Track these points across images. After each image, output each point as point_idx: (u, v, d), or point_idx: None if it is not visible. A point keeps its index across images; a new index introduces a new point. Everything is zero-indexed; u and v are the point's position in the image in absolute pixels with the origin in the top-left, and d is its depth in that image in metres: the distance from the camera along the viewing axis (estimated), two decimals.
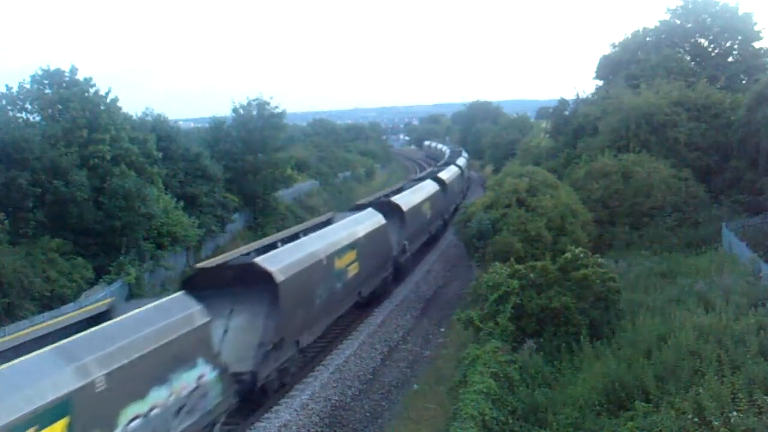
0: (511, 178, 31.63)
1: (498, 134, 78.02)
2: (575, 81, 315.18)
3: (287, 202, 55.44)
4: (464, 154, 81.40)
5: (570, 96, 50.06)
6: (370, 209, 30.41)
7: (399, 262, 32.28)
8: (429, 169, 62.77)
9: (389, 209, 32.12)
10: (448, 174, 51.86)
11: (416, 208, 36.08)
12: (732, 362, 15.08)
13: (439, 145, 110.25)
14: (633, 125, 37.43)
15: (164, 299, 15.82)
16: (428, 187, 41.85)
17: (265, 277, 18.91)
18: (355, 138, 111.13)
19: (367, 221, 28.51)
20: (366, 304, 28.20)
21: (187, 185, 41.40)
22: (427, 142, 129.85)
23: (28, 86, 35.30)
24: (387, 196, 36.84)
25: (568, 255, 21.59)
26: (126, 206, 32.90)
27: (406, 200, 35.21)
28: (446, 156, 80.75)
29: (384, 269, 30.02)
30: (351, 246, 25.34)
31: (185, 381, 14.52)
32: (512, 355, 19.22)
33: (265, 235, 44.40)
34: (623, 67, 48.56)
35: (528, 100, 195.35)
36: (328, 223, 27.48)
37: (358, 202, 34.66)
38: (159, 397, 13.58)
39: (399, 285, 32.16)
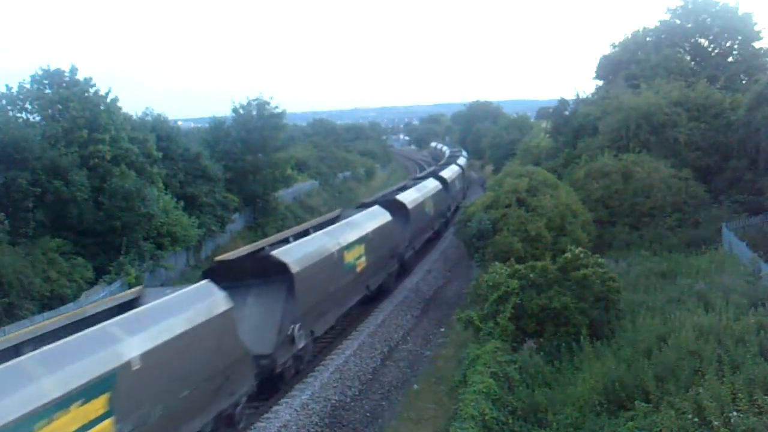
0: (511, 178, 31.64)
1: (498, 134, 78.10)
2: (575, 81, 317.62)
3: (287, 202, 55.47)
4: (459, 160, 67.29)
5: (570, 96, 50.27)
6: (203, 285, 16.74)
7: (274, 366, 19.10)
8: (386, 190, 44.43)
9: (267, 268, 20.02)
10: (417, 194, 37.90)
11: (324, 263, 22.54)
12: (732, 362, 15.08)
13: (443, 147, 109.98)
14: (633, 125, 37.48)
15: None
16: (369, 221, 28.60)
17: None
18: (355, 138, 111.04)
19: (171, 318, 14.59)
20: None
21: (187, 185, 41.40)
22: (433, 144, 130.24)
23: (28, 86, 35.32)
24: (296, 236, 23.79)
25: (568, 255, 21.61)
26: (126, 206, 32.90)
27: (301, 251, 21.72)
28: (445, 157, 79.58)
29: (220, 397, 16.26)
30: (92, 389, 11.87)
31: None
32: (512, 355, 19.24)
33: (265, 235, 44.54)
34: (623, 67, 48.66)
35: (528, 100, 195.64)
36: (130, 305, 15.08)
37: (219, 258, 21.26)
38: None
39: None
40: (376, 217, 29.67)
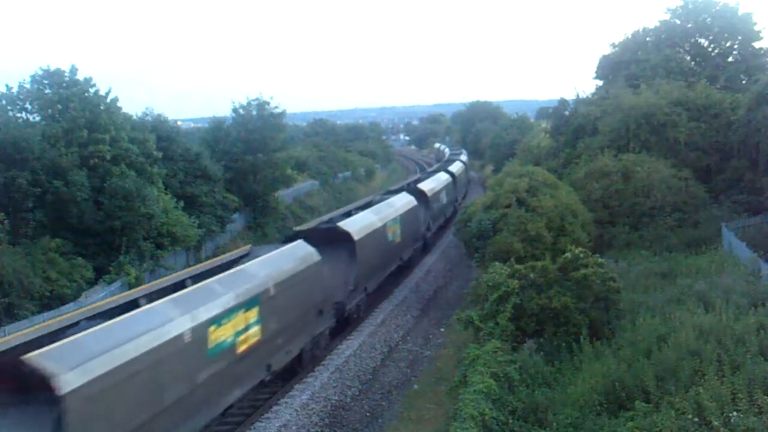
0: (511, 178, 31.59)
1: (498, 134, 78.11)
2: (575, 81, 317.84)
3: (287, 202, 55.49)
4: (453, 165, 58.74)
5: (570, 96, 50.21)
6: None
7: None
8: (338, 210, 32.60)
9: (25, 381, 11.68)
10: (373, 217, 29.02)
11: (150, 362, 13.34)
12: (732, 362, 15.08)
13: (445, 148, 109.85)
14: (633, 125, 37.45)
15: None
16: (276, 267, 19.76)
17: None
18: (355, 138, 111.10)
19: None
20: None
21: (187, 185, 41.42)
22: (436, 145, 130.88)
23: (28, 86, 35.36)
24: (171, 290, 16.28)
25: (568, 255, 21.59)
26: (126, 206, 32.92)
27: (99, 344, 12.53)
28: (444, 158, 78.70)
29: None
30: None
31: None
32: (512, 355, 19.21)
33: (265, 235, 44.45)
34: (623, 67, 48.64)
35: (528, 100, 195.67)
36: None
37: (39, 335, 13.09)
38: None
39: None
40: (292, 259, 20.74)
